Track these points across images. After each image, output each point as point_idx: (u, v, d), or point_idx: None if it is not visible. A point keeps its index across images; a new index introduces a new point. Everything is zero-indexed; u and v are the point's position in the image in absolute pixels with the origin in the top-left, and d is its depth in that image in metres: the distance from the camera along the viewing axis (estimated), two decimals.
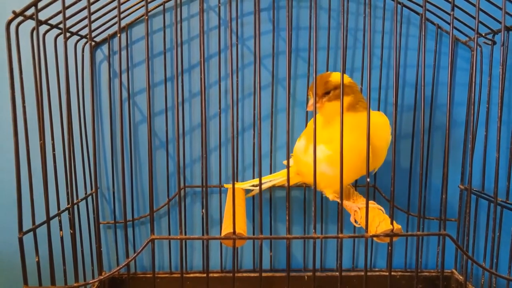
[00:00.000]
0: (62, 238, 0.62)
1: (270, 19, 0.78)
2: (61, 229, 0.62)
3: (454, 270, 0.82)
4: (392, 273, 0.82)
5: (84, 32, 0.72)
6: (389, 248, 0.56)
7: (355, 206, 0.62)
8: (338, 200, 0.61)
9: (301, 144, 0.66)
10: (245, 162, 0.81)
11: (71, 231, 0.60)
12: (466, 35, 0.77)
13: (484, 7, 0.62)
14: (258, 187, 0.54)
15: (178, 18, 0.76)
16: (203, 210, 0.82)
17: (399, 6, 0.76)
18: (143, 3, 0.74)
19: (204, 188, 0.62)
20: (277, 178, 0.74)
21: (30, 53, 0.53)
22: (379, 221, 0.55)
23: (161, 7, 0.76)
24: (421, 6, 0.74)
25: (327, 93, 0.61)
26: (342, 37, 0.50)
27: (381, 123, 0.63)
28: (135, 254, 0.53)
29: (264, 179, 0.72)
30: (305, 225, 0.82)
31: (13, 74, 0.49)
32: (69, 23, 0.63)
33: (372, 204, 0.61)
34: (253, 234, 0.82)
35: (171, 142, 0.80)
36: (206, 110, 0.79)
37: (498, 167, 0.57)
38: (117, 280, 0.81)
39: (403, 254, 0.84)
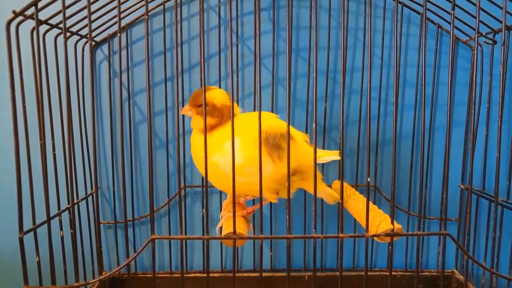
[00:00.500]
0: (62, 238, 0.62)
1: (270, 18, 0.78)
2: (61, 229, 0.62)
3: (454, 270, 0.82)
4: (393, 273, 0.82)
5: (84, 32, 0.72)
6: (390, 247, 0.56)
7: (226, 210, 0.63)
8: (274, 201, 0.62)
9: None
10: None
11: (72, 231, 0.60)
12: (467, 35, 0.77)
13: (484, 6, 0.62)
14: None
15: (178, 18, 0.76)
16: (204, 210, 0.82)
17: (399, 5, 0.76)
18: (143, 2, 0.74)
19: (204, 188, 0.62)
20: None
21: (30, 52, 0.53)
22: (380, 220, 0.55)
23: (161, 6, 0.76)
24: (422, 6, 0.74)
25: (199, 106, 0.59)
26: (343, 36, 0.50)
27: (272, 115, 0.62)
28: (136, 254, 0.53)
29: None
30: (305, 224, 0.82)
31: (13, 73, 0.48)
32: (69, 22, 0.63)
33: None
34: (253, 234, 0.82)
35: (171, 142, 0.80)
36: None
37: (499, 166, 0.57)
38: (118, 280, 0.81)
39: (403, 254, 0.84)
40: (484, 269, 0.61)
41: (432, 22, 0.77)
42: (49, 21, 0.59)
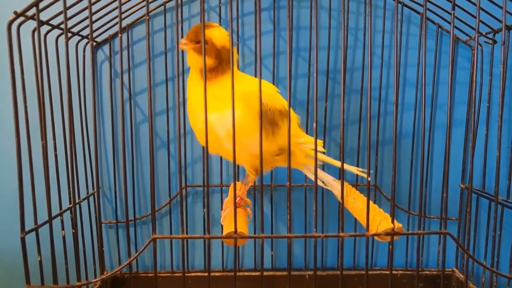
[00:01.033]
0: (64, 237, 0.62)
1: (270, 19, 0.78)
2: (63, 229, 0.62)
3: (455, 269, 0.82)
4: (393, 272, 0.83)
5: (85, 32, 0.72)
6: (390, 247, 0.56)
7: (227, 207, 0.62)
8: (252, 176, 0.61)
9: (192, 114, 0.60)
10: None
11: (73, 231, 0.61)
12: (467, 34, 0.77)
13: (484, 6, 0.62)
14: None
15: (179, 18, 0.76)
16: (205, 210, 0.82)
17: (399, 5, 0.76)
18: (144, 3, 0.74)
19: (205, 188, 0.62)
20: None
21: (31, 53, 0.53)
22: (380, 220, 0.55)
23: (162, 7, 0.76)
24: (422, 5, 0.74)
25: (196, 42, 0.56)
26: (343, 36, 0.50)
27: (274, 88, 0.61)
28: (137, 254, 0.54)
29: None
30: (306, 224, 0.82)
31: (14, 74, 0.49)
32: (70, 23, 0.63)
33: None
34: (254, 233, 0.82)
35: (173, 142, 0.80)
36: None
37: (499, 166, 0.57)
38: (119, 280, 0.82)
39: (404, 253, 0.84)
40: (484, 268, 0.61)
41: (432, 22, 0.77)
42: (50, 22, 0.60)
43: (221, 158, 0.80)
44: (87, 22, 0.63)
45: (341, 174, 0.53)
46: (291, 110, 0.61)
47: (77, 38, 0.72)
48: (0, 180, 0.81)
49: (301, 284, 0.82)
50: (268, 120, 0.55)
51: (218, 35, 0.56)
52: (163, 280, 0.82)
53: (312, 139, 0.61)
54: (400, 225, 0.53)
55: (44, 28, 0.60)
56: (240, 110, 0.54)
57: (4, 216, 0.81)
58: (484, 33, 0.72)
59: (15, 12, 0.48)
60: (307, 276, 0.82)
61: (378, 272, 0.83)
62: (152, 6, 0.76)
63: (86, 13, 0.55)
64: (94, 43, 0.77)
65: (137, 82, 0.80)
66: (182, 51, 0.77)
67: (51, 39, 0.64)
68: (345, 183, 0.75)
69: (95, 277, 0.76)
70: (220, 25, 0.76)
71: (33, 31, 0.56)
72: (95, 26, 0.73)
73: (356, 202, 0.64)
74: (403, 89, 0.80)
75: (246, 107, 0.54)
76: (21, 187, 0.51)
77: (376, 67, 0.78)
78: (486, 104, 0.73)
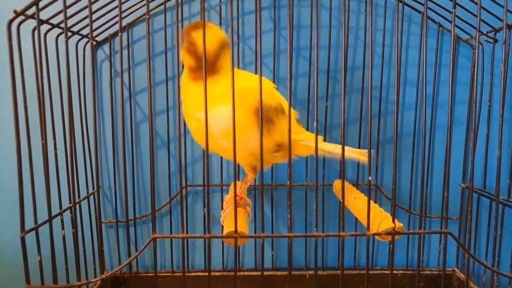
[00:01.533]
0: (64, 237, 0.62)
1: (271, 18, 0.78)
2: (63, 228, 0.62)
3: (455, 269, 0.82)
4: (394, 272, 0.82)
5: (85, 31, 0.72)
6: (391, 246, 0.56)
7: (227, 207, 0.62)
8: (251, 175, 0.61)
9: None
10: None
11: (73, 230, 0.61)
12: (468, 33, 0.76)
13: (485, 5, 0.61)
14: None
15: (179, 18, 0.76)
16: (205, 209, 0.82)
17: (400, 4, 0.76)
18: (144, 2, 0.74)
19: (205, 187, 0.62)
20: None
21: (31, 52, 0.53)
22: (381, 219, 0.55)
23: (162, 6, 0.76)
24: (423, 4, 0.74)
25: (191, 43, 0.55)
26: (344, 35, 0.50)
27: (272, 85, 0.60)
28: (137, 253, 0.53)
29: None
30: (306, 223, 0.82)
31: (14, 73, 0.48)
32: (70, 22, 0.63)
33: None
34: (255, 232, 0.82)
35: (173, 141, 0.80)
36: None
37: (500, 165, 0.57)
38: (119, 279, 0.82)
39: (404, 252, 0.84)
40: (485, 268, 0.61)
41: (433, 21, 0.77)
42: (50, 21, 0.59)
43: (221, 157, 0.80)
44: (87, 21, 0.63)
45: (341, 174, 0.52)
46: (285, 101, 0.61)
47: (77, 37, 0.72)
48: (0, 179, 0.81)
49: (302, 283, 0.82)
50: (263, 117, 0.54)
51: (207, 37, 0.53)
52: (163, 280, 0.82)
53: (311, 134, 0.61)
54: (401, 224, 0.53)
55: (44, 27, 0.59)
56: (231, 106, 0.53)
57: (4, 215, 0.81)
58: (485, 32, 0.72)
59: (15, 11, 0.48)
60: (307, 275, 0.82)
61: (379, 271, 0.83)
62: (152, 5, 0.76)
63: (86, 12, 0.55)
64: (94, 42, 0.77)
65: (137, 81, 0.79)
66: None
67: (51, 38, 0.64)
68: (346, 183, 0.75)
69: (95, 276, 0.76)
70: (221, 24, 0.76)
71: (33, 30, 0.56)
72: (95, 25, 0.73)
73: (356, 202, 0.64)
74: (404, 88, 0.80)
75: (239, 104, 0.53)
76: (21, 186, 0.50)
77: (376, 66, 0.78)
78: (487, 103, 0.73)
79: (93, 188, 0.76)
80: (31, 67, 0.53)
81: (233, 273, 0.59)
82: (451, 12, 0.52)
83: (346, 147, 0.57)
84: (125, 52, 0.77)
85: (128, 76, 0.78)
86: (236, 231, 0.52)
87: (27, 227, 0.52)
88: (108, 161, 0.81)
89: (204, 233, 0.81)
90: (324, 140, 0.79)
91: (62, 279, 0.59)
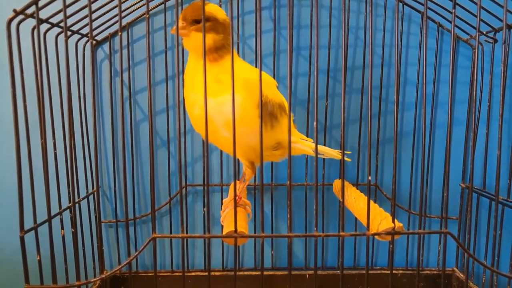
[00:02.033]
0: (63, 237, 0.62)
1: (271, 17, 0.78)
2: (62, 228, 0.62)
3: (455, 268, 0.82)
4: (394, 272, 0.82)
5: (85, 30, 0.72)
6: (391, 246, 0.56)
7: (226, 207, 0.61)
8: (249, 172, 0.60)
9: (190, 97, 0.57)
10: None
11: (73, 230, 0.60)
12: (467, 33, 0.76)
13: (485, 5, 0.61)
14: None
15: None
16: (205, 209, 0.82)
17: (400, 4, 0.76)
18: (144, 1, 0.74)
19: (205, 187, 0.62)
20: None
21: (31, 51, 0.53)
22: (381, 219, 0.55)
23: (162, 5, 0.76)
24: (422, 4, 0.74)
25: (197, 21, 0.53)
26: (344, 35, 0.50)
27: (267, 81, 0.57)
28: (137, 253, 0.53)
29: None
30: (306, 223, 0.82)
31: (14, 73, 0.48)
32: (70, 21, 0.63)
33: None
34: (255, 232, 0.82)
35: (173, 141, 0.80)
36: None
37: (500, 165, 0.57)
38: (119, 279, 0.81)
39: (404, 252, 0.84)
40: (485, 268, 0.61)
41: (433, 20, 0.77)
42: (50, 20, 0.59)
43: (221, 157, 0.80)
44: (87, 20, 0.62)
45: (341, 173, 0.52)
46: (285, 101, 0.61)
47: (77, 36, 0.72)
48: None
49: (302, 283, 0.82)
50: (268, 112, 0.54)
51: (217, 8, 0.54)
52: (163, 280, 0.82)
53: (307, 140, 0.61)
54: (401, 224, 0.53)
55: (44, 26, 0.59)
56: (241, 97, 0.52)
57: (3, 215, 0.81)
58: (484, 32, 0.72)
59: (14, 10, 0.48)
60: (307, 275, 0.82)
61: (379, 271, 0.83)
62: (152, 4, 0.76)
63: (86, 11, 0.55)
64: (94, 42, 0.76)
65: (137, 81, 0.79)
66: (183, 50, 0.77)
67: (51, 38, 0.64)
68: (346, 183, 0.75)
69: (95, 276, 0.76)
70: None
71: (33, 29, 0.56)
72: (95, 24, 0.72)
73: (356, 202, 0.64)
74: (404, 88, 0.80)
75: (248, 95, 0.52)
76: (20, 186, 0.50)
77: (376, 66, 0.78)
78: (486, 103, 0.73)
79: (93, 188, 0.76)
80: (31, 66, 0.53)
81: (233, 273, 0.59)
82: (451, 12, 0.52)
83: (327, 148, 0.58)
84: (125, 51, 0.77)
85: (128, 75, 0.78)
86: (236, 230, 0.52)
87: (26, 227, 0.52)
88: (108, 160, 0.81)
89: (204, 233, 0.81)
90: (324, 140, 0.79)
91: (62, 278, 0.59)
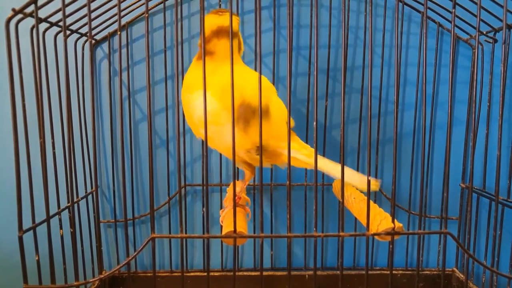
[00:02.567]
0: (62, 236, 0.62)
1: (270, 17, 0.78)
2: (61, 228, 0.62)
3: (455, 269, 0.82)
4: (393, 272, 0.82)
5: (84, 30, 0.71)
6: (390, 246, 0.56)
7: (226, 206, 0.61)
8: (248, 173, 0.61)
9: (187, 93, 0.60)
10: None
11: (71, 230, 0.60)
12: (467, 33, 0.76)
13: (485, 5, 0.61)
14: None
15: (179, 16, 0.76)
16: (204, 209, 0.82)
17: (400, 4, 0.76)
18: (143, 1, 0.74)
19: (204, 187, 0.62)
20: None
21: (30, 51, 0.53)
22: (380, 219, 0.55)
23: (162, 5, 0.76)
24: (422, 4, 0.74)
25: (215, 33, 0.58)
26: (343, 35, 0.49)
27: (269, 86, 0.60)
28: (136, 253, 0.53)
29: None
30: (305, 223, 0.82)
31: (12, 72, 0.48)
32: (69, 21, 0.63)
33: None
34: (254, 232, 0.82)
35: (172, 141, 0.80)
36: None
37: (499, 165, 0.57)
38: (118, 279, 0.81)
39: (404, 252, 0.84)
40: (485, 268, 0.61)
41: (433, 20, 0.77)
42: (49, 19, 0.59)
43: (220, 157, 0.80)
44: (86, 19, 0.62)
45: (341, 174, 0.52)
46: (281, 109, 0.59)
47: (76, 35, 0.71)
48: None
49: (301, 284, 0.82)
50: (239, 114, 0.55)
51: (228, 20, 0.56)
52: (161, 280, 0.82)
53: (301, 146, 0.58)
54: (401, 224, 0.53)
55: (43, 26, 0.59)
56: (214, 97, 0.55)
57: (1, 214, 0.81)
58: (484, 32, 0.72)
59: (13, 9, 0.48)
60: (307, 276, 0.82)
61: (378, 272, 0.83)
62: (151, 4, 0.76)
63: (85, 10, 0.55)
64: (93, 41, 0.76)
65: (136, 80, 0.79)
66: (182, 50, 0.77)
67: (50, 37, 0.63)
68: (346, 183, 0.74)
69: (93, 276, 0.75)
70: None
71: (32, 29, 0.56)
72: (94, 23, 0.72)
73: (356, 202, 0.64)
74: (404, 88, 0.80)
75: (222, 96, 0.55)
76: (19, 185, 0.50)
77: (376, 66, 0.78)
78: (486, 103, 0.73)
79: (92, 188, 0.76)
80: (30, 65, 0.52)
81: (232, 273, 0.59)
82: (451, 12, 0.52)
83: (348, 169, 0.55)
84: (124, 50, 0.76)
85: (127, 75, 0.78)
86: (235, 231, 0.52)
87: (25, 227, 0.52)
88: (107, 160, 0.81)
89: (203, 233, 0.80)
90: (324, 139, 0.79)
91: (60, 278, 0.59)
